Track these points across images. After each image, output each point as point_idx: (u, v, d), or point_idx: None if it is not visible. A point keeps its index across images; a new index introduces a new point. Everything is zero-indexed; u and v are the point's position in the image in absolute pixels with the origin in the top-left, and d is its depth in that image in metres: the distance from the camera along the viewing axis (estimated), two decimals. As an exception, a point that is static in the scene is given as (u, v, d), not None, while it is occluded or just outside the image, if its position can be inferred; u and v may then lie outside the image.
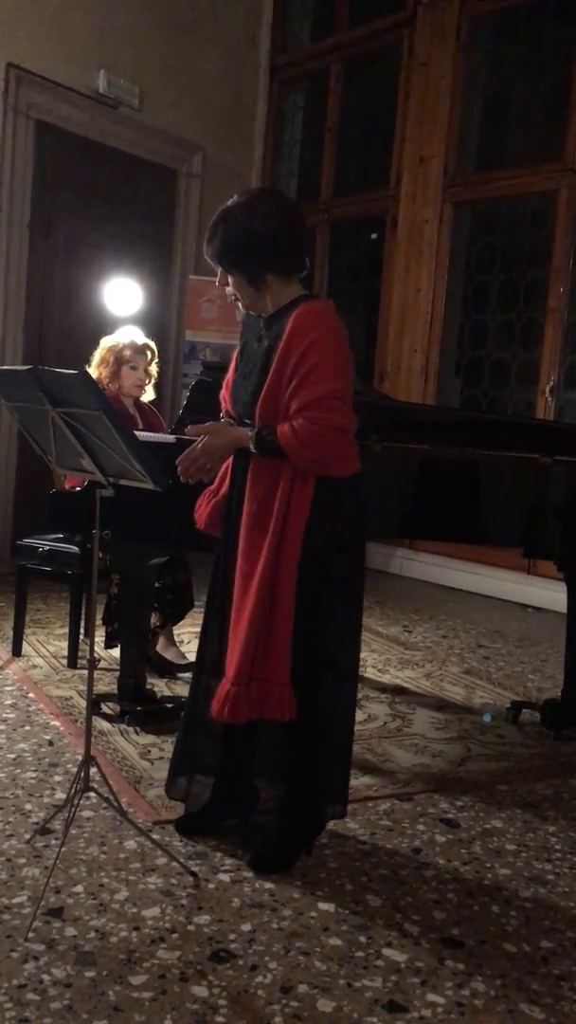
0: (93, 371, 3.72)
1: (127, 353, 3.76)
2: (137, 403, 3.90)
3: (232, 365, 2.41)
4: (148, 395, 3.91)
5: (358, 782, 2.82)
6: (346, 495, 2.28)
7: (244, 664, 2.20)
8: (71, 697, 3.46)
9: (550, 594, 5.37)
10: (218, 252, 2.25)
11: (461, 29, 6.11)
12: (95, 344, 3.84)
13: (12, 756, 2.87)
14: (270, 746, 2.42)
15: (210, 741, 2.42)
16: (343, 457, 2.22)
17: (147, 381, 3.85)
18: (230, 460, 2.38)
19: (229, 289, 2.31)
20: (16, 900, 2.07)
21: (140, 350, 3.80)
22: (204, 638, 2.44)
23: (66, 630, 4.02)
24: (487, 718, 3.58)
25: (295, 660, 2.22)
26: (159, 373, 3.98)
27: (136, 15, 6.19)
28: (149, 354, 3.83)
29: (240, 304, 2.34)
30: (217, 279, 2.33)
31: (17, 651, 3.95)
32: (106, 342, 3.81)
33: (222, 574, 2.37)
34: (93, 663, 2.37)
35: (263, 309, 2.31)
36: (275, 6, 7.15)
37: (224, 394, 2.42)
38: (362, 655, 2.57)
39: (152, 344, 3.87)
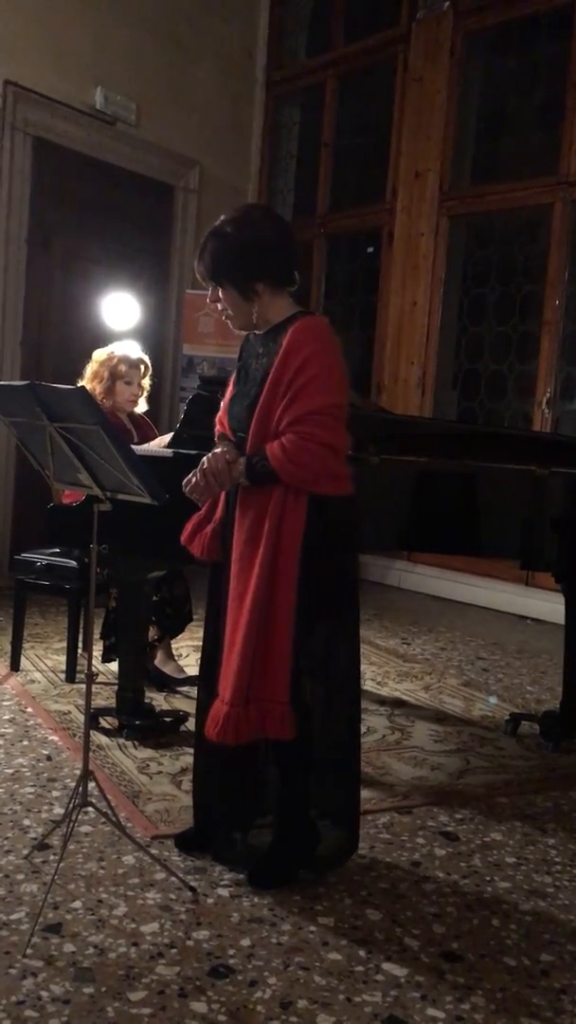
0: (86, 385, 3.70)
1: (122, 368, 3.74)
2: (131, 415, 3.89)
3: (230, 386, 2.39)
4: (140, 407, 3.91)
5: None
6: (341, 513, 2.25)
7: (240, 685, 2.16)
8: (69, 712, 3.45)
9: (548, 606, 5.37)
10: (208, 266, 2.25)
11: (455, 44, 6.15)
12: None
13: (10, 771, 2.87)
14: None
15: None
16: (333, 476, 2.20)
17: (140, 395, 3.85)
18: None
19: (220, 306, 2.30)
20: (14, 916, 2.07)
21: (135, 364, 3.78)
22: (203, 684, 2.40)
23: (64, 644, 4.01)
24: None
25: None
26: (156, 387, 3.97)
27: (132, 31, 6.23)
28: (143, 368, 3.81)
29: (231, 323, 2.32)
30: (208, 295, 2.32)
31: (15, 666, 3.95)
32: (99, 355, 3.78)
33: (215, 609, 2.34)
34: (91, 677, 2.37)
35: (254, 324, 2.30)
36: (271, 22, 7.22)
37: (220, 415, 2.39)
38: (360, 668, 2.54)
39: (146, 358, 3.85)
